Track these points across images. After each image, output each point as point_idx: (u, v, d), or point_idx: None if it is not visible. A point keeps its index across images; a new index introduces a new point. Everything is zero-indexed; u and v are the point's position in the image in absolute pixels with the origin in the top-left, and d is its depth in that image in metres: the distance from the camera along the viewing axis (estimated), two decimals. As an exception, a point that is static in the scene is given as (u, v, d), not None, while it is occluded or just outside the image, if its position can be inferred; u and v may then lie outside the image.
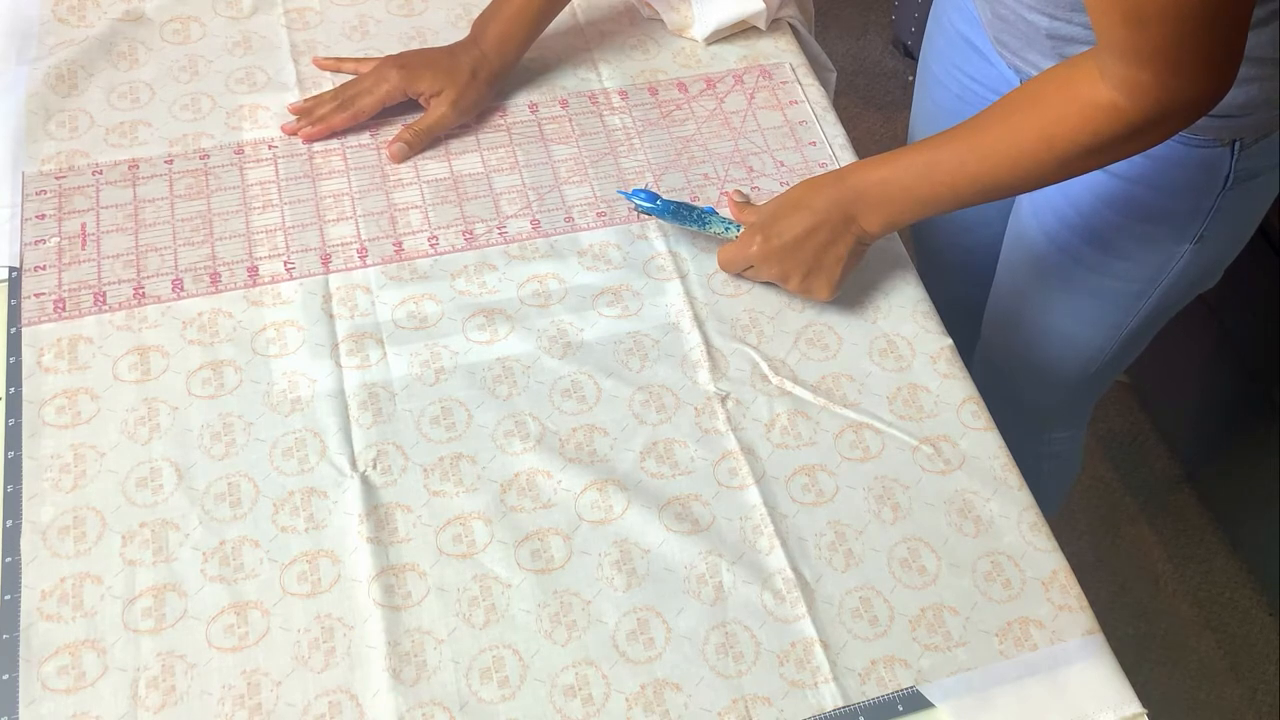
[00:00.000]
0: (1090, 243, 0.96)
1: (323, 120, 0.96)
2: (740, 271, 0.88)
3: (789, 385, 0.83)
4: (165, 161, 0.94)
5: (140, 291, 0.85)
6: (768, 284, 0.89)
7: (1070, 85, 0.71)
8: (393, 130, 0.97)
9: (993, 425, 0.83)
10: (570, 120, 1.00)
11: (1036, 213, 0.99)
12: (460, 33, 1.04)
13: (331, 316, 0.85)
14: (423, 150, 0.96)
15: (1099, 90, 0.69)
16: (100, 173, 0.92)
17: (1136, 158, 0.88)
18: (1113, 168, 0.90)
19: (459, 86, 0.96)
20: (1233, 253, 0.99)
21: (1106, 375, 1.12)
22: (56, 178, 0.92)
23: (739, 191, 0.95)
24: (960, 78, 1.04)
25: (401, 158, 0.96)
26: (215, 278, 0.87)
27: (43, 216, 0.89)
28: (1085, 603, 0.75)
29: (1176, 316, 1.05)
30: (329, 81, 1.00)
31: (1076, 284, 1.00)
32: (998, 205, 1.09)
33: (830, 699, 0.70)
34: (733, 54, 1.07)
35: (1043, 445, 1.25)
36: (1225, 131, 0.84)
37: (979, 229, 1.16)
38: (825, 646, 0.71)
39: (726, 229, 0.90)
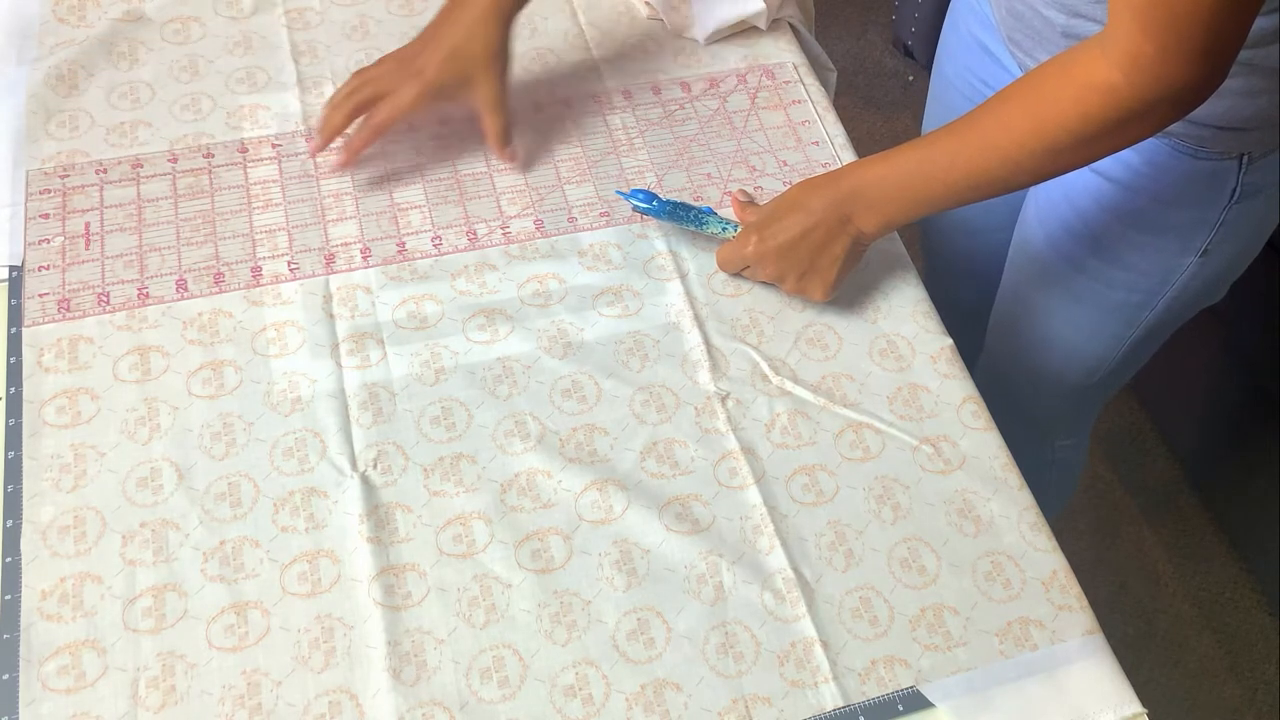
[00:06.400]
0: (1095, 253, 0.96)
1: (347, 147, 0.92)
2: (738, 271, 0.88)
3: (789, 385, 0.83)
4: (169, 160, 0.94)
5: (144, 292, 0.85)
6: (768, 284, 0.89)
7: (1068, 68, 0.71)
8: (397, 133, 0.97)
9: (993, 425, 0.83)
10: (574, 120, 1.00)
11: (1042, 221, 0.99)
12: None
13: (332, 316, 0.85)
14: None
15: (1096, 70, 0.69)
16: (104, 171, 0.92)
17: (1143, 168, 0.88)
18: (1119, 178, 0.90)
19: (494, 76, 0.90)
20: (1239, 268, 0.99)
21: (1110, 385, 1.12)
22: (60, 176, 0.92)
23: (744, 191, 0.95)
24: (972, 81, 1.04)
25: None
26: (219, 278, 0.87)
27: (46, 216, 0.89)
28: (1085, 603, 0.75)
29: (1179, 319, 1.05)
30: (330, 82, 1.00)
31: (1080, 294, 1.00)
32: (1004, 211, 1.09)
33: (830, 699, 0.70)
34: (733, 54, 1.07)
35: (1046, 452, 1.25)
36: (1233, 144, 0.84)
37: (985, 234, 1.16)
38: (825, 646, 0.71)
39: (724, 229, 0.90)
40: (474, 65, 0.89)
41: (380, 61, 0.92)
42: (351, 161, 0.92)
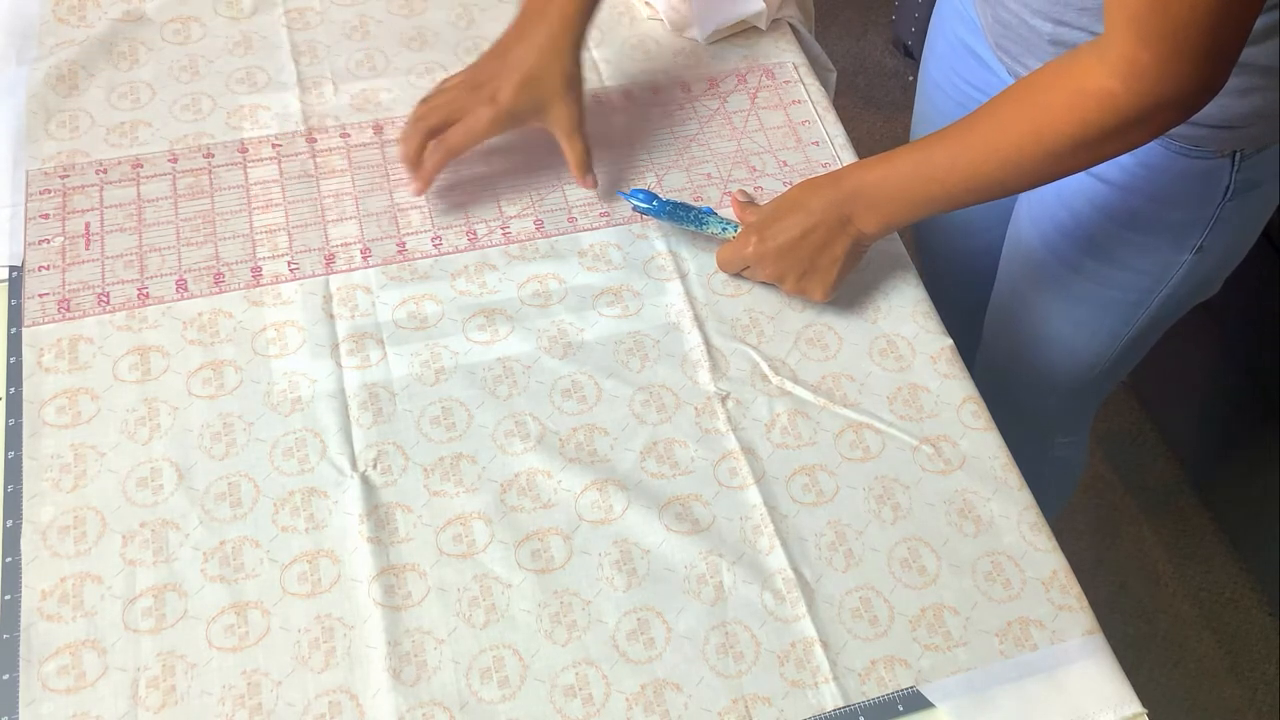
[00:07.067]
0: (1089, 252, 0.96)
1: (421, 170, 0.89)
2: (738, 271, 0.88)
3: (789, 385, 0.83)
4: (169, 160, 0.94)
5: (144, 292, 0.85)
6: (768, 284, 0.89)
7: (1065, 73, 0.71)
8: (394, 129, 0.97)
9: (993, 425, 0.83)
10: (571, 120, 1.00)
11: (1035, 221, 0.99)
12: (460, 33, 1.04)
13: (332, 317, 0.85)
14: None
15: (1094, 77, 0.69)
16: (104, 171, 0.92)
17: (1136, 168, 0.88)
18: (1112, 178, 0.90)
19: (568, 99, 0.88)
20: (1232, 264, 0.99)
21: (1106, 382, 1.12)
22: (60, 176, 0.92)
23: (743, 191, 0.95)
24: (960, 84, 1.04)
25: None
26: (219, 278, 0.87)
27: (46, 216, 0.89)
28: (1085, 603, 0.75)
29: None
30: (330, 82, 1.00)
31: (1075, 292, 1.00)
32: (999, 211, 1.09)
33: (830, 699, 0.70)
34: (733, 54, 1.07)
35: (1045, 451, 1.25)
36: (1226, 142, 0.84)
37: (980, 234, 1.16)
38: (825, 646, 0.71)
39: (724, 229, 0.90)
40: (550, 92, 0.87)
41: (445, 88, 0.90)
42: (427, 188, 0.90)
